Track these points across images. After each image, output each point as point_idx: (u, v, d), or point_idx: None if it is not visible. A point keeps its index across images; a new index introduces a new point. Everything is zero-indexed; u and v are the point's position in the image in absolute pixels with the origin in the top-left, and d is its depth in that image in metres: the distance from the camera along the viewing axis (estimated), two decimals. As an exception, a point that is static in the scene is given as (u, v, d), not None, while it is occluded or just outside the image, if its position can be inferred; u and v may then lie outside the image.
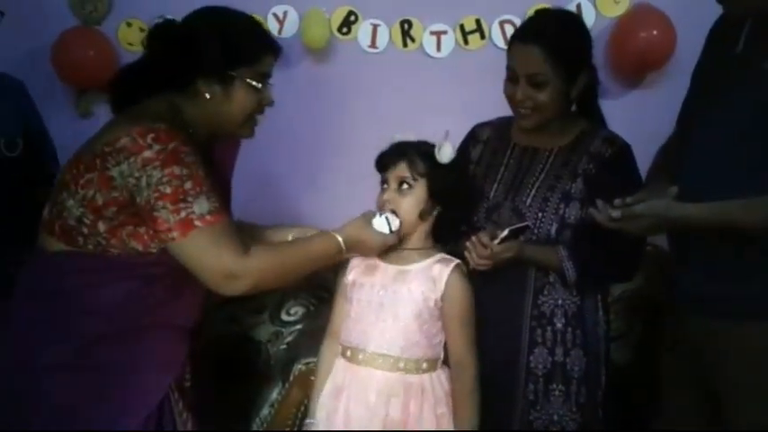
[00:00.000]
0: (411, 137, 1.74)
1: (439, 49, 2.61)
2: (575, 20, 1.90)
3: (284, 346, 2.37)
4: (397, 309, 1.69)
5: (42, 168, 2.04)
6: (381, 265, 1.74)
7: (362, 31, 2.62)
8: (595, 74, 1.83)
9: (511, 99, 1.78)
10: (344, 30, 2.62)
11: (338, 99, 2.65)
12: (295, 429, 2.09)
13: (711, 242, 1.53)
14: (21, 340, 1.52)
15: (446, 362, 1.73)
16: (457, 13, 2.60)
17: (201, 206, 1.45)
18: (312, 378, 1.84)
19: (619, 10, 2.56)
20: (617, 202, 1.53)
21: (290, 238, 1.75)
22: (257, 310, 2.42)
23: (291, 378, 2.11)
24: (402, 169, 1.70)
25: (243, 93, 1.58)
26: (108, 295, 1.50)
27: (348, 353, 1.72)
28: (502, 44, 2.52)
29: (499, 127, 1.93)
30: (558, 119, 1.80)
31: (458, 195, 1.74)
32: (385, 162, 1.73)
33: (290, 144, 2.65)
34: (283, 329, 2.40)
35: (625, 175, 1.77)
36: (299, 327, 2.40)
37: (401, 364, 1.67)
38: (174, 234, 1.44)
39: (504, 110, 1.83)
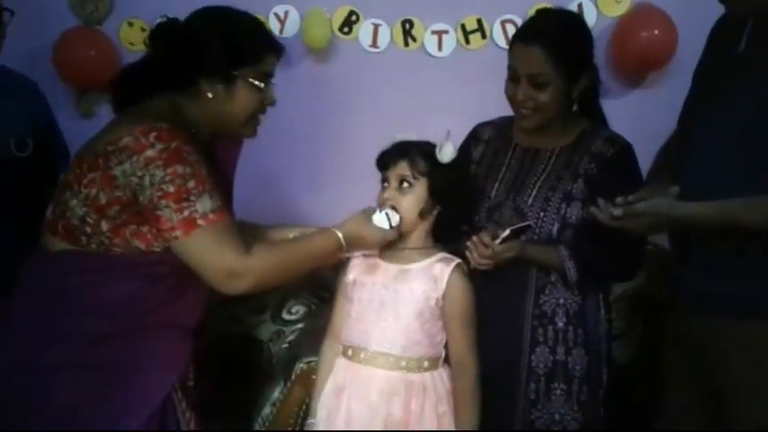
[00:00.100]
0: (413, 137, 1.75)
1: (440, 48, 2.62)
2: (576, 20, 1.90)
3: (286, 345, 2.37)
4: (399, 308, 1.69)
5: (52, 169, 2.03)
6: (382, 264, 1.75)
7: (364, 30, 2.62)
8: (597, 74, 1.83)
9: (512, 99, 1.78)
10: (346, 29, 2.62)
11: (339, 99, 2.65)
12: (297, 428, 2.09)
13: (713, 241, 1.54)
14: (23, 340, 1.52)
15: (447, 360, 1.73)
16: (458, 12, 2.60)
17: (204, 205, 1.45)
18: (314, 377, 1.84)
19: (620, 9, 2.56)
20: (618, 200, 1.53)
21: (291, 237, 1.75)
22: (259, 309, 2.43)
23: (293, 377, 2.11)
24: (403, 168, 1.71)
25: (245, 92, 1.58)
26: (111, 294, 1.50)
27: (349, 352, 1.73)
28: (503, 44, 2.52)
29: (501, 127, 1.93)
30: (559, 119, 1.80)
31: (458, 195, 1.75)
32: (386, 161, 1.73)
33: (291, 144, 2.66)
34: (285, 328, 2.41)
35: (626, 175, 1.77)
36: (300, 326, 2.41)
37: (402, 363, 1.67)
38: (178, 233, 1.45)
39: (506, 109, 1.83)
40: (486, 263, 1.70)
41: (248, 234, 1.62)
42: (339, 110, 2.65)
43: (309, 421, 1.77)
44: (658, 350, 1.84)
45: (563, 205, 1.77)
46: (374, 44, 2.63)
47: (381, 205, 1.71)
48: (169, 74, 1.56)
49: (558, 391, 1.78)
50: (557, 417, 1.77)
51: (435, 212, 1.73)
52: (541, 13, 1.95)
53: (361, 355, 1.70)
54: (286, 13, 2.62)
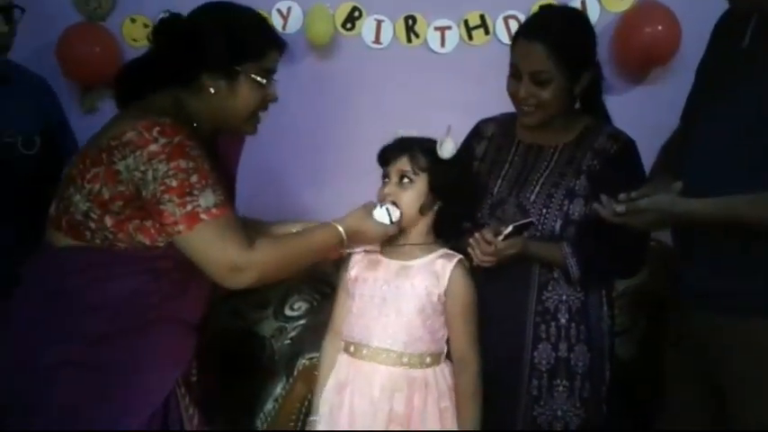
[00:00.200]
0: (413, 133, 1.75)
1: (443, 44, 2.61)
2: (579, 17, 1.90)
3: (288, 341, 2.37)
4: (400, 304, 1.69)
5: (59, 167, 2.03)
6: (384, 260, 1.75)
7: (366, 26, 2.62)
8: (600, 71, 1.83)
9: (514, 96, 1.78)
10: (348, 25, 2.62)
11: (342, 95, 2.65)
12: (299, 424, 2.09)
13: (716, 237, 1.53)
14: (23, 339, 1.52)
15: (449, 356, 1.73)
16: (461, 8, 2.59)
17: (207, 199, 1.46)
18: (316, 373, 1.84)
19: (624, 5, 2.55)
20: (621, 196, 1.53)
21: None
22: (261, 305, 2.43)
23: (295, 373, 2.11)
24: (403, 163, 1.71)
25: (247, 88, 1.58)
26: (115, 290, 1.50)
27: (351, 348, 1.73)
28: (506, 39, 2.51)
29: (503, 123, 1.93)
30: (561, 116, 1.79)
31: (458, 191, 1.75)
32: (387, 156, 1.74)
33: (293, 140, 2.65)
34: (287, 324, 2.41)
35: (629, 172, 1.76)
36: (302, 322, 2.41)
37: (405, 359, 1.68)
38: (181, 227, 1.45)
39: (509, 106, 1.83)
40: (488, 260, 1.70)
41: (251, 230, 1.62)
42: (342, 106, 2.65)
43: (311, 418, 1.78)
44: (661, 347, 1.83)
45: (566, 202, 1.77)
46: (377, 40, 2.63)
47: (382, 201, 1.71)
48: (172, 69, 1.57)
49: (561, 388, 1.78)
50: (559, 413, 1.77)
51: (436, 208, 1.73)
52: (544, 9, 1.96)
53: (364, 352, 1.70)
54: (289, 9, 2.61)
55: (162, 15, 1.61)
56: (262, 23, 1.66)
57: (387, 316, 1.69)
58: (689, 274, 1.64)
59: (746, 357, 1.54)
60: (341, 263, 1.81)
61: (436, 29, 2.61)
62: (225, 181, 1.59)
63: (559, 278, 1.78)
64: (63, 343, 1.49)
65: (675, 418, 1.72)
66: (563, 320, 1.78)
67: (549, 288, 1.78)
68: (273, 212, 1.99)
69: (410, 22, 2.61)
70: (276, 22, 2.59)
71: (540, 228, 1.77)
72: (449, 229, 1.78)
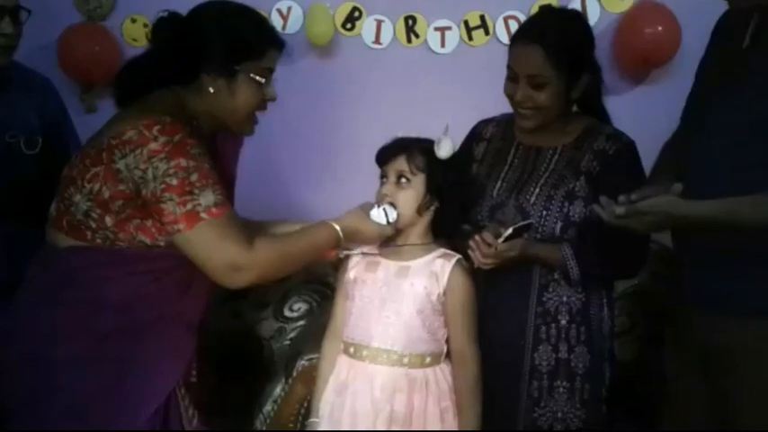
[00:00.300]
0: (411, 133, 1.75)
1: (443, 45, 2.61)
2: (576, 19, 1.88)
3: (287, 343, 2.37)
4: (400, 304, 1.69)
5: (62, 166, 2.02)
6: (383, 261, 1.74)
7: (366, 26, 2.62)
8: (599, 72, 1.82)
9: (511, 99, 1.78)
10: (348, 26, 2.62)
11: (342, 95, 2.65)
12: (298, 425, 2.09)
13: (716, 239, 1.53)
14: (30, 337, 1.52)
15: (449, 355, 1.73)
16: (461, 8, 2.59)
17: (207, 198, 1.46)
18: (315, 374, 1.84)
19: (624, 6, 2.55)
20: (621, 198, 1.52)
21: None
22: (260, 306, 2.43)
23: (294, 374, 2.11)
24: (401, 163, 1.71)
25: (246, 87, 1.58)
26: (117, 290, 1.51)
27: (351, 349, 1.72)
28: (506, 40, 2.50)
29: (503, 124, 1.92)
30: (558, 118, 1.79)
31: (456, 191, 1.74)
32: (384, 156, 1.74)
33: (293, 140, 2.65)
34: (286, 326, 2.41)
35: (629, 173, 1.76)
36: (301, 323, 2.41)
37: (405, 360, 1.67)
38: (181, 226, 1.45)
39: (508, 106, 1.83)
40: (488, 262, 1.69)
41: (250, 229, 1.61)
42: (341, 106, 2.65)
43: (311, 420, 1.77)
44: (661, 348, 1.83)
45: (566, 203, 1.77)
46: (377, 41, 2.62)
47: (379, 201, 1.71)
48: (171, 68, 1.57)
49: (561, 389, 1.77)
50: (559, 415, 1.77)
51: (433, 208, 1.73)
52: (543, 11, 1.95)
53: (364, 353, 1.70)
54: (289, 9, 2.61)
55: (161, 14, 1.61)
56: (261, 23, 1.66)
57: (386, 317, 1.69)
58: (689, 276, 1.64)
59: (747, 359, 1.53)
60: (339, 264, 1.81)
61: (436, 29, 2.61)
62: (224, 180, 1.59)
63: (560, 279, 1.78)
64: (65, 342, 1.49)
65: (675, 420, 1.72)
66: (563, 322, 1.78)
67: (550, 289, 1.78)
68: (272, 211, 1.99)
69: (410, 22, 2.61)
70: (276, 21, 2.59)
71: (540, 229, 1.77)
72: (446, 229, 1.78)
